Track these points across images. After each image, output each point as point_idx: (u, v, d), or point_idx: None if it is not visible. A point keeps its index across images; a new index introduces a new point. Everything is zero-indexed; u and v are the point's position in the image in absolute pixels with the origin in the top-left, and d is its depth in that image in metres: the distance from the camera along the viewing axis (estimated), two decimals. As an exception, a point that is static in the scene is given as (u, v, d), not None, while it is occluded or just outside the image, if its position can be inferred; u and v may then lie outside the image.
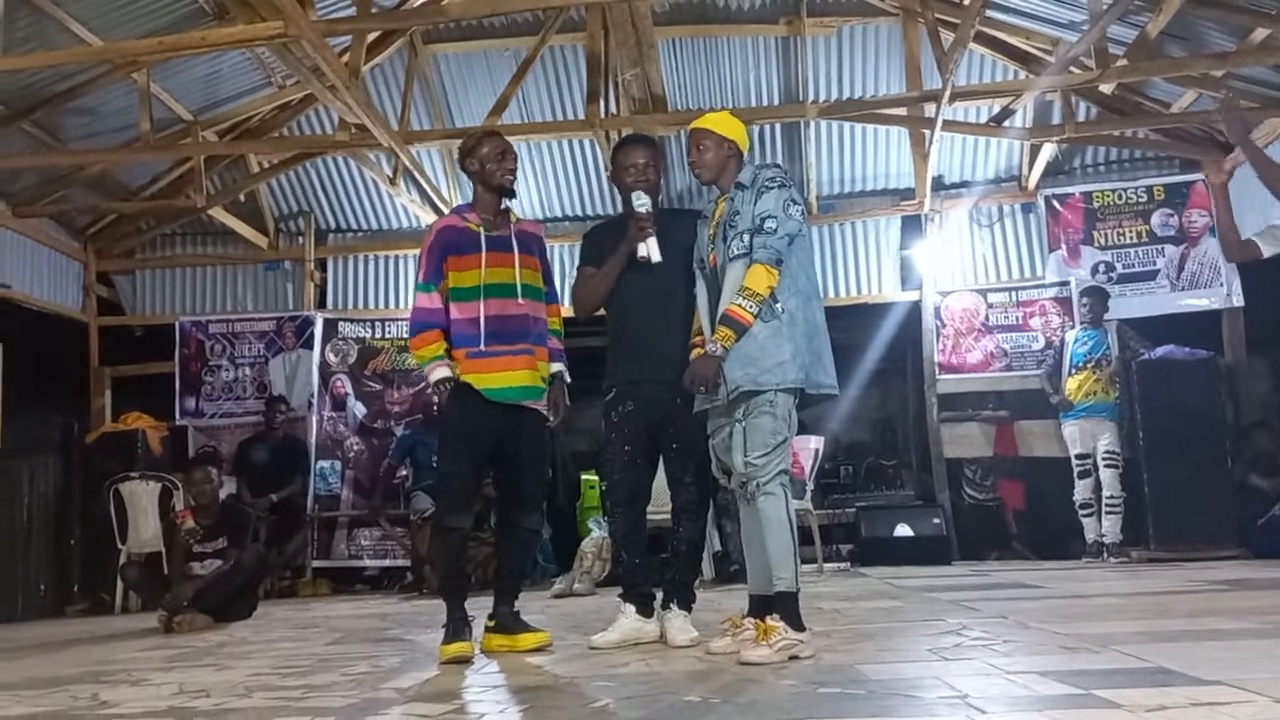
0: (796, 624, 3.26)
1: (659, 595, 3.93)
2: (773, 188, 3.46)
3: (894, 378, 10.43)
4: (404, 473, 8.36)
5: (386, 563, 8.87)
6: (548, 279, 3.98)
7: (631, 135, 4.51)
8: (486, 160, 3.84)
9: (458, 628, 3.60)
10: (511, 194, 3.92)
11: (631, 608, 3.84)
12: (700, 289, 3.62)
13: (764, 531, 3.32)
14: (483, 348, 3.71)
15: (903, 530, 8.07)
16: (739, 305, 3.36)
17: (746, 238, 3.42)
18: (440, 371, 3.70)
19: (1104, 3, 6.55)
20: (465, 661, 3.50)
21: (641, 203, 3.79)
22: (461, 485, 3.73)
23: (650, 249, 3.78)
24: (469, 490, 3.76)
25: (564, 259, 8.63)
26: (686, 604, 3.86)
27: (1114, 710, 2.15)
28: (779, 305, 3.38)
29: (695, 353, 3.58)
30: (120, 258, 9.54)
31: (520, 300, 3.78)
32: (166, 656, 4.17)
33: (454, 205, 8.60)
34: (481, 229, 3.81)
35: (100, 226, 9.32)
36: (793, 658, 3.14)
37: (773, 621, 3.24)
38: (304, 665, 3.70)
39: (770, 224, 3.39)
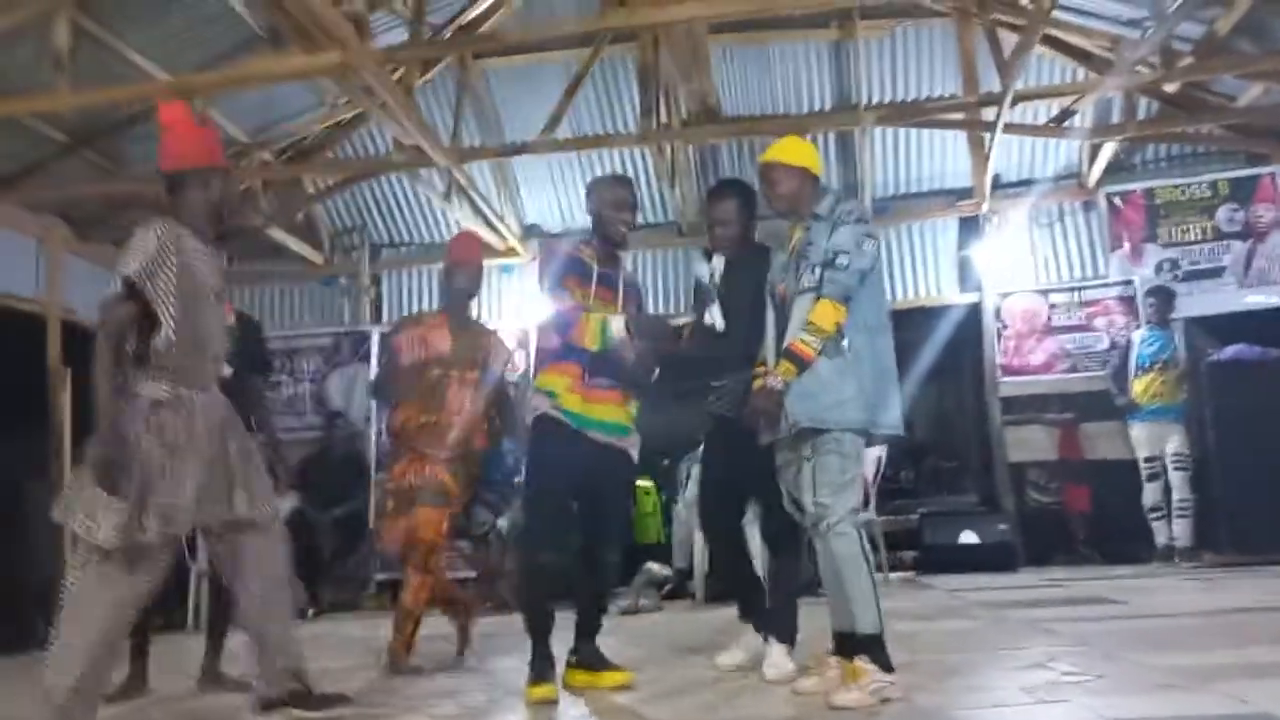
0: (884, 664, 3.23)
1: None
2: (849, 222, 3.43)
3: (953, 379, 10.30)
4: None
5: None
6: (637, 328, 3.96)
7: (719, 185, 4.45)
8: (604, 206, 3.89)
9: (543, 668, 3.61)
10: (621, 245, 3.94)
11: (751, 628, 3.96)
12: (769, 318, 3.60)
13: (841, 572, 3.29)
14: (587, 380, 3.72)
15: (967, 537, 7.97)
16: (802, 340, 3.34)
17: (817, 271, 3.39)
18: (617, 319, 3.67)
19: (1169, 1, 6.40)
20: (551, 703, 3.50)
21: (710, 268, 3.88)
22: (553, 519, 3.71)
23: (714, 316, 3.88)
24: (561, 524, 3.73)
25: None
26: (783, 636, 3.84)
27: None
28: (845, 342, 3.34)
29: (756, 384, 3.56)
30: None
31: (594, 349, 3.76)
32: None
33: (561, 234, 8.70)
34: (594, 264, 3.83)
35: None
36: (883, 700, 3.12)
37: (861, 664, 3.21)
38: (389, 705, 3.73)
39: (843, 259, 3.36)
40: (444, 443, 4.48)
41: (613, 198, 3.89)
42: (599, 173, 8.92)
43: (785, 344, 3.40)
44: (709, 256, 4.12)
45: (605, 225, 3.87)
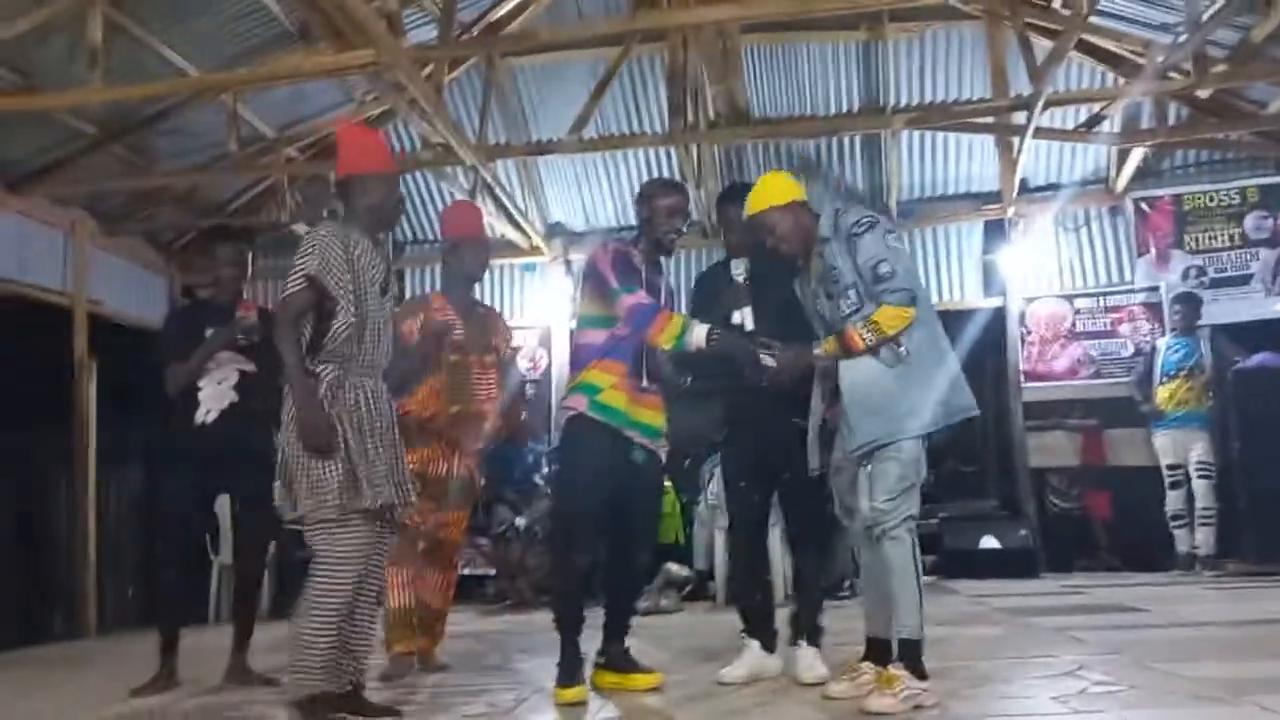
0: (919, 672, 3.22)
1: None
2: (863, 232, 3.35)
3: (975, 383, 10.11)
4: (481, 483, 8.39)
5: (466, 571, 8.93)
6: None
7: (736, 190, 4.36)
8: (657, 212, 3.83)
9: (572, 669, 3.61)
10: (669, 252, 3.92)
11: (756, 643, 3.87)
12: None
13: (890, 577, 3.28)
14: (645, 383, 3.74)
15: (988, 542, 7.95)
16: (857, 330, 3.28)
17: (853, 294, 3.34)
18: (701, 327, 3.59)
19: (1203, 6, 6.36)
20: (581, 705, 3.51)
21: (739, 272, 3.81)
22: (591, 520, 3.71)
23: (744, 315, 3.84)
24: (598, 526, 3.73)
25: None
26: (815, 639, 3.84)
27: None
28: (903, 348, 3.29)
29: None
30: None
31: (666, 348, 3.76)
32: (281, 690, 4.23)
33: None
34: (644, 267, 3.82)
35: (185, 242, 9.48)
36: (916, 707, 3.11)
37: (895, 670, 3.21)
38: (418, 701, 3.75)
39: (884, 268, 3.29)
40: (477, 434, 4.42)
41: (667, 204, 3.84)
42: (624, 172, 8.96)
43: (840, 328, 3.34)
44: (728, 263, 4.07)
45: (657, 230, 3.84)
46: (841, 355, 3.33)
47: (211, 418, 4.31)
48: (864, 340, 3.28)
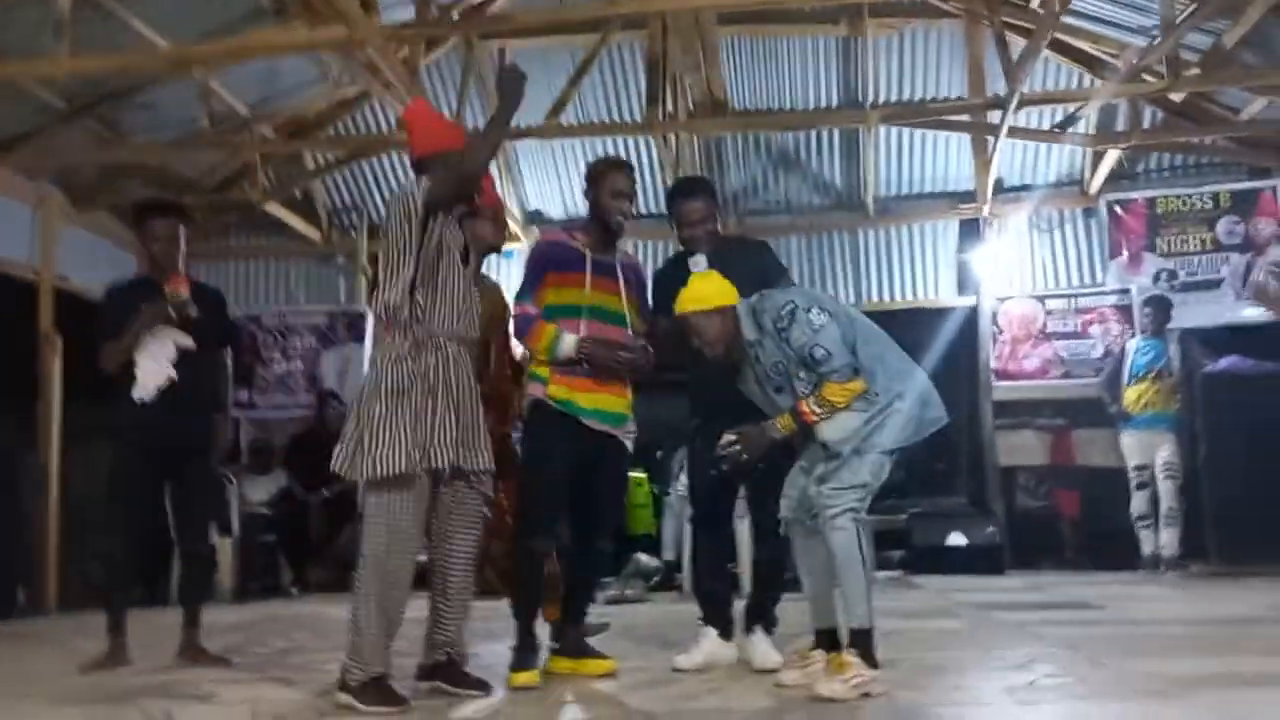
0: (870, 660, 3.21)
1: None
2: (787, 324, 3.32)
3: (947, 381, 10.19)
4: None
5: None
6: (644, 314, 3.90)
7: (688, 183, 4.37)
8: (602, 192, 3.77)
9: (526, 654, 3.59)
10: (617, 233, 3.84)
11: (713, 631, 3.85)
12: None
13: (837, 566, 3.28)
14: (583, 368, 3.66)
15: (955, 539, 7.99)
16: (810, 406, 3.29)
17: (804, 373, 3.34)
18: (570, 338, 3.59)
19: (1178, 10, 6.38)
20: (533, 689, 3.49)
21: (697, 263, 3.66)
22: (547, 507, 3.67)
23: None
24: (555, 512, 3.70)
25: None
26: (769, 627, 3.84)
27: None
28: (872, 392, 3.31)
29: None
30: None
31: (627, 331, 3.73)
32: (231, 670, 4.19)
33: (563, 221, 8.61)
34: (588, 251, 3.76)
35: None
36: (865, 695, 3.11)
37: (847, 657, 3.20)
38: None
39: (818, 352, 3.27)
40: (504, 417, 4.18)
41: (611, 185, 3.78)
42: (602, 160, 8.91)
43: (793, 404, 3.34)
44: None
45: (603, 213, 3.78)
46: (798, 430, 3.33)
47: (150, 395, 4.24)
48: (817, 415, 3.29)
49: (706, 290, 3.46)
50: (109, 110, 7.52)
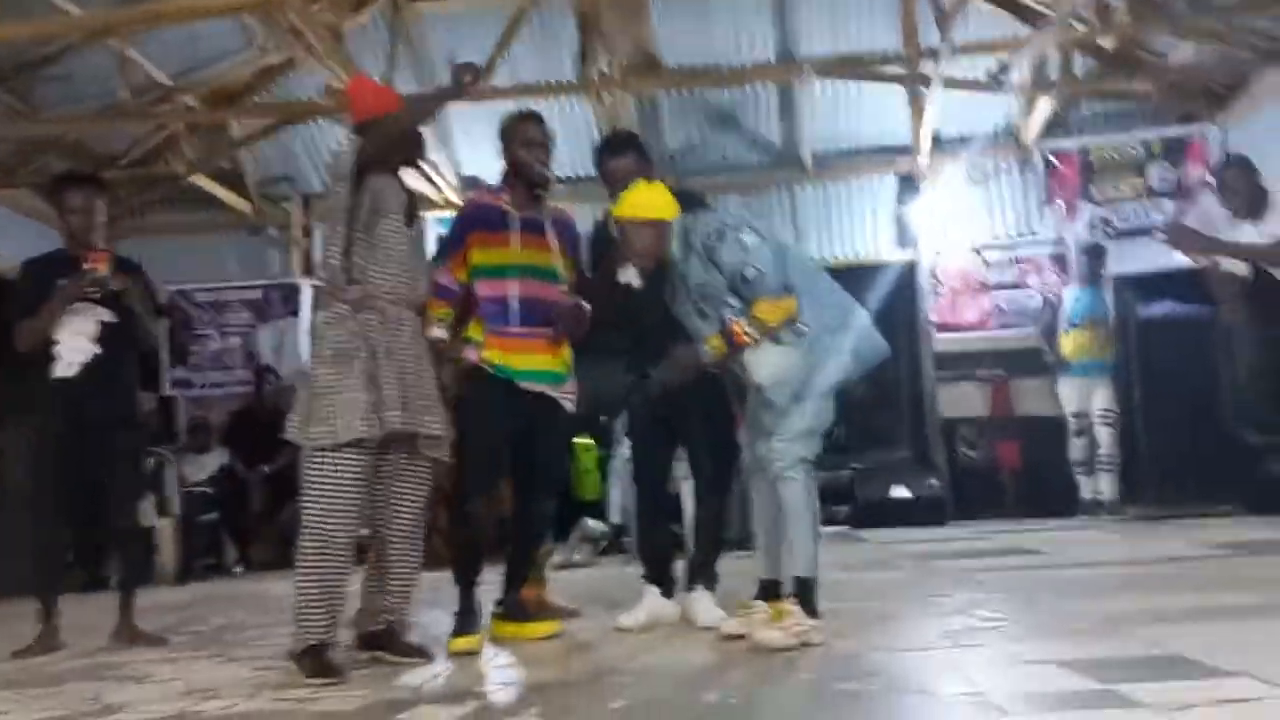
0: (811, 609, 3.22)
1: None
2: (715, 243, 3.28)
3: (887, 336, 10.14)
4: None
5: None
6: (579, 269, 3.85)
7: (615, 140, 4.16)
8: (516, 146, 3.70)
9: (467, 619, 3.56)
10: (542, 186, 3.76)
11: (655, 589, 3.85)
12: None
13: (784, 517, 3.28)
14: (517, 328, 3.60)
15: (899, 491, 8.08)
16: (742, 326, 3.24)
17: (734, 300, 3.28)
18: (432, 332, 3.55)
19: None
20: (474, 654, 3.46)
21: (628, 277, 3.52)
22: (485, 471, 3.64)
23: (629, 275, 3.54)
24: (492, 476, 3.67)
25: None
26: (710, 584, 3.84)
27: (1139, 710, 2.10)
28: (801, 324, 3.27)
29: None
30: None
31: (560, 287, 3.67)
32: (167, 650, 4.12)
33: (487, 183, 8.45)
34: (514, 209, 3.68)
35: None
36: (804, 644, 3.11)
37: (788, 605, 3.20)
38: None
39: (749, 272, 3.23)
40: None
41: (523, 135, 3.70)
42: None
43: (724, 324, 3.30)
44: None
45: (522, 168, 3.70)
46: (729, 352, 3.29)
47: (74, 371, 4.14)
48: (748, 336, 3.25)
49: (649, 200, 3.40)
50: (22, 83, 7.27)
